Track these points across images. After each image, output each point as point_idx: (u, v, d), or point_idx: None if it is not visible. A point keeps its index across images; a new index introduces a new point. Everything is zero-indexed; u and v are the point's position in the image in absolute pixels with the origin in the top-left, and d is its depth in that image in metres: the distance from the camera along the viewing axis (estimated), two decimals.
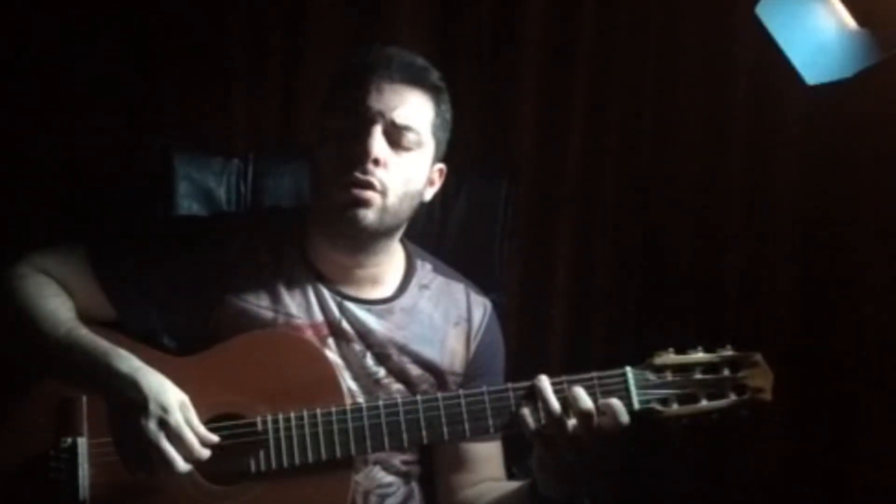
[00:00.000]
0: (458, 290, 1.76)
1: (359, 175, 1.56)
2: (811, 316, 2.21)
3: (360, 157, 1.56)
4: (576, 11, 2.29)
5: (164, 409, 1.44)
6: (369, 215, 1.57)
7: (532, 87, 2.30)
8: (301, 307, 1.64)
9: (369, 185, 1.57)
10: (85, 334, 1.50)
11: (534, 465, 1.54)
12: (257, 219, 1.74)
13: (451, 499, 1.71)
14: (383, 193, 1.58)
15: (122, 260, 1.61)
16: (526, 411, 1.49)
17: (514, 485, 1.65)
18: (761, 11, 1.62)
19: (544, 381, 1.49)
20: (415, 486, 1.71)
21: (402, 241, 1.73)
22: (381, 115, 1.58)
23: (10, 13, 2.14)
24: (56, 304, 1.53)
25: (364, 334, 1.65)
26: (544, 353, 2.29)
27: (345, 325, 1.64)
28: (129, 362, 1.46)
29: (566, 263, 2.31)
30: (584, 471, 1.50)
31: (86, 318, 1.56)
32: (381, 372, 1.66)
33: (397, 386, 1.66)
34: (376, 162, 1.56)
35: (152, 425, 1.43)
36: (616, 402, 1.47)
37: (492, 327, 1.77)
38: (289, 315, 1.63)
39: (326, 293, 1.65)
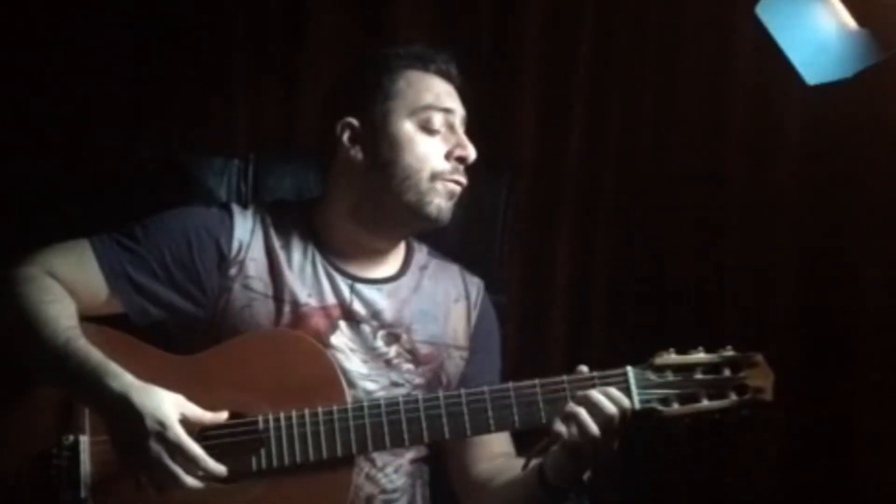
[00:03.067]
0: (453, 271, 1.80)
1: (459, 177, 1.65)
2: (811, 316, 2.21)
3: (461, 158, 1.65)
4: (576, 12, 2.29)
5: (162, 425, 1.41)
6: (451, 208, 1.66)
7: (532, 88, 2.30)
8: (312, 291, 1.65)
9: (462, 183, 1.66)
10: (81, 346, 1.47)
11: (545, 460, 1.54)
12: (263, 207, 1.74)
13: (467, 474, 1.71)
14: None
15: (127, 252, 1.61)
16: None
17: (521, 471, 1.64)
18: (761, 11, 1.62)
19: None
20: (419, 490, 1.71)
21: None
22: (460, 114, 1.68)
23: (12, 13, 2.15)
24: (58, 311, 1.51)
25: (375, 314, 1.67)
26: (544, 353, 2.29)
27: (356, 305, 1.66)
28: (121, 380, 1.44)
29: (566, 263, 2.32)
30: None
31: (93, 313, 1.56)
32: (392, 352, 1.67)
33: (407, 366, 1.68)
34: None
35: (152, 444, 1.41)
36: (612, 390, 1.48)
37: (486, 304, 1.80)
38: (296, 303, 1.63)
39: (337, 276, 1.67)
